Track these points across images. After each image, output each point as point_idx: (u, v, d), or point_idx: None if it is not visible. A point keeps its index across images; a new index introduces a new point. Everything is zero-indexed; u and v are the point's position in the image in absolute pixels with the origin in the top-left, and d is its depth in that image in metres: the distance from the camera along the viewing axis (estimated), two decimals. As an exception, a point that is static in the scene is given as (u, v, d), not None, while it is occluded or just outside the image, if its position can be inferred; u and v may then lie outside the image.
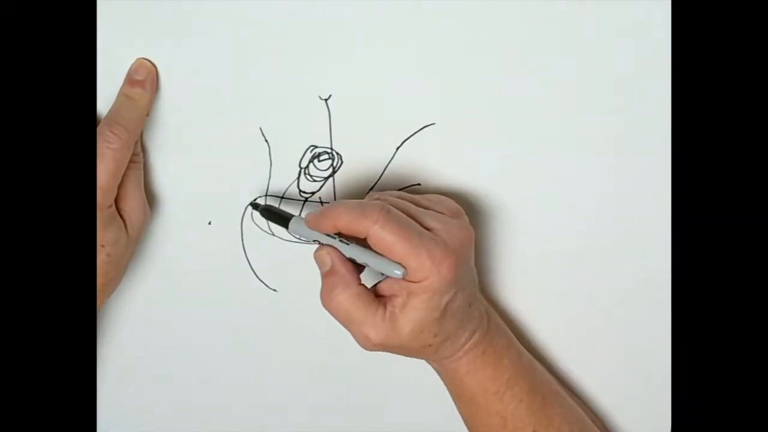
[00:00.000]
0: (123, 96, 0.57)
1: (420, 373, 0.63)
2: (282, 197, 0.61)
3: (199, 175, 0.60)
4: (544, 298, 0.63)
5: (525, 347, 0.62)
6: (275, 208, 0.59)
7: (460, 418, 0.63)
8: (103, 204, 0.56)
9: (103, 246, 0.57)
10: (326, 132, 0.60)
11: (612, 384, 0.65)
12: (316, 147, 0.60)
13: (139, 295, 0.64)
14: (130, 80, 0.58)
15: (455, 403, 0.60)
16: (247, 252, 0.63)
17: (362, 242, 0.54)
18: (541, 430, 0.58)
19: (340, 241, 0.55)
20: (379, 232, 0.52)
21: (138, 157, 0.59)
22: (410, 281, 0.53)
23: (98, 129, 0.56)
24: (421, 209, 0.55)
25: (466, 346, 0.57)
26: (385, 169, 0.60)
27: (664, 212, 0.58)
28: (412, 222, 0.53)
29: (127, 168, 0.57)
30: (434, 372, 0.61)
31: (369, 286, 0.56)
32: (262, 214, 0.59)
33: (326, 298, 0.55)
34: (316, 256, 0.56)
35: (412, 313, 0.54)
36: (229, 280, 0.63)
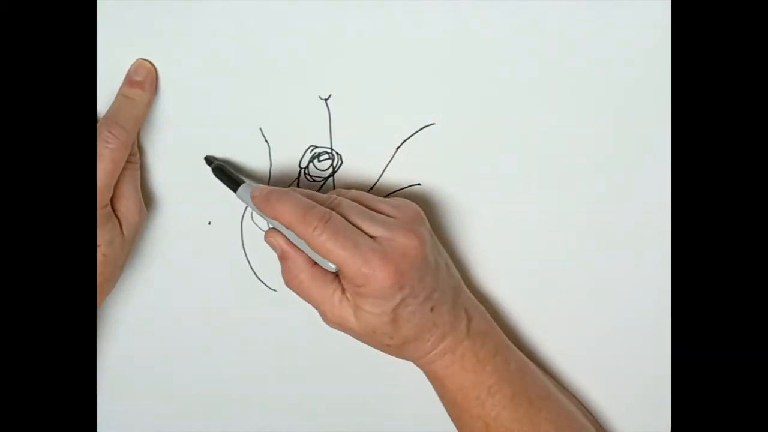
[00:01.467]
0: (122, 96, 0.57)
1: (420, 372, 0.63)
2: (282, 197, 0.61)
3: (199, 175, 0.60)
4: (543, 298, 0.63)
5: (522, 348, 0.62)
6: (228, 168, 0.59)
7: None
8: (99, 204, 0.56)
9: (98, 246, 0.57)
10: (326, 132, 0.60)
11: (612, 384, 0.65)
12: (316, 147, 0.60)
13: (139, 295, 0.64)
14: (130, 81, 0.58)
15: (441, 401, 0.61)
16: (247, 252, 0.62)
17: None
18: None
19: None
20: (317, 239, 0.53)
21: (135, 158, 0.59)
22: (356, 284, 0.54)
23: (96, 129, 0.56)
24: (371, 214, 0.55)
25: (437, 350, 0.57)
26: (385, 169, 0.60)
27: (665, 212, 0.58)
28: (351, 229, 0.54)
29: (124, 168, 0.57)
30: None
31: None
32: (214, 173, 0.59)
33: (287, 279, 0.57)
34: (266, 240, 0.57)
35: (359, 314, 0.55)
36: (229, 280, 0.63)
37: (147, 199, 0.61)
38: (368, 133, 0.59)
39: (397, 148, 0.60)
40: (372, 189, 0.61)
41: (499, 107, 0.58)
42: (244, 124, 0.59)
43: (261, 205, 0.55)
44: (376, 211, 0.56)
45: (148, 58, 0.58)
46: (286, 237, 0.56)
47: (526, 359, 0.61)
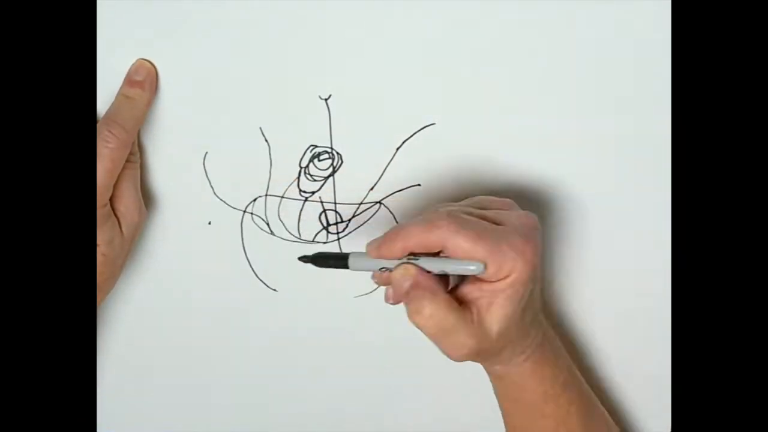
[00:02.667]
0: (122, 96, 0.57)
1: (420, 373, 0.63)
2: (282, 197, 0.61)
3: (199, 175, 0.60)
4: (544, 297, 0.63)
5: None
6: (327, 252, 0.56)
7: (457, 418, 0.63)
8: (99, 203, 0.56)
9: (98, 245, 0.57)
10: (326, 132, 0.60)
11: (612, 384, 0.65)
12: (316, 147, 0.60)
13: (139, 295, 0.64)
14: (130, 80, 0.58)
15: (508, 413, 0.59)
16: (247, 252, 0.62)
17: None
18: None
19: (408, 260, 0.52)
20: (455, 239, 0.51)
21: (135, 157, 0.59)
22: (494, 281, 0.52)
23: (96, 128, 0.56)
24: (480, 211, 0.54)
25: (537, 341, 0.56)
26: (385, 169, 0.60)
27: (665, 212, 0.58)
28: (481, 221, 0.52)
29: (124, 167, 0.57)
30: (434, 373, 0.62)
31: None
32: (316, 263, 0.56)
33: (414, 313, 0.52)
34: (394, 279, 0.52)
35: (499, 312, 0.52)
36: (229, 280, 0.63)
37: (147, 199, 0.61)
38: (368, 133, 0.59)
39: (398, 148, 0.60)
40: (372, 189, 0.61)
41: (499, 107, 0.58)
42: (244, 124, 0.59)
43: (385, 248, 0.52)
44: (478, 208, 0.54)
45: (148, 58, 0.58)
46: (417, 266, 0.52)
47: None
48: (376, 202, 0.61)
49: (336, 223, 0.62)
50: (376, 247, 0.53)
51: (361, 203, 0.61)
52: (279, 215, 0.62)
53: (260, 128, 0.60)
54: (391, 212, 0.61)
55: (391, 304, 0.53)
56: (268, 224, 0.62)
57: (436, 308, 0.51)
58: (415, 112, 0.59)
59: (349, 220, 0.62)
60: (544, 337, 0.57)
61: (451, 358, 0.53)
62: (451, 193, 0.60)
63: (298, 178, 0.61)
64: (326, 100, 0.59)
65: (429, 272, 0.52)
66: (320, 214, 0.62)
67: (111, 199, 0.58)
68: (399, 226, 0.53)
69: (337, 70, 0.58)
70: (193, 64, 0.58)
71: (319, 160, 0.60)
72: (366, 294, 0.63)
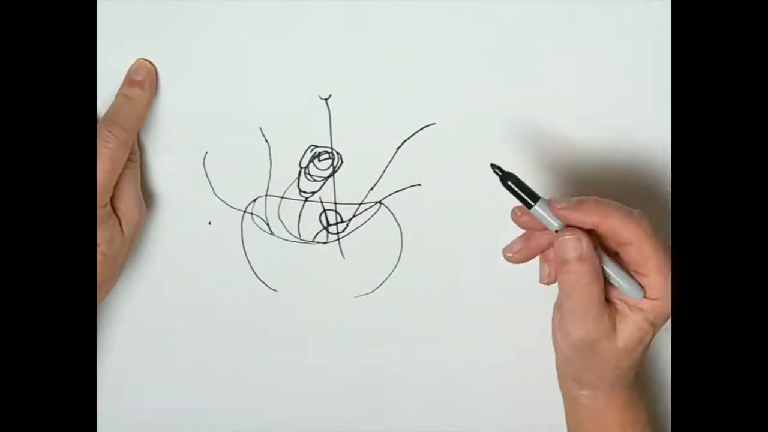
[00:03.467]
0: (122, 96, 0.57)
1: (420, 373, 0.63)
2: (282, 197, 0.61)
3: (199, 175, 0.60)
4: (542, 297, 0.63)
5: (524, 347, 0.62)
6: (522, 182, 0.53)
7: (457, 418, 0.63)
8: (99, 203, 0.56)
9: (98, 245, 0.57)
10: (326, 132, 0.60)
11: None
12: (316, 147, 0.60)
13: (139, 295, 0.64)
14: (130, 80, 0.58)
15: None
16: (247, 252, 0.62)
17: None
18: None
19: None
20: (645, 240, 0.51)
21: (135, 156, 0.59)
22: (646, 298, 0.52)
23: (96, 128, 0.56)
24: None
25: (630, 379, 0.56)
26: (385, 169, 0.60)
27: (665, 212, 0.58)
28: (666, 244, 0.52)
29: (124, 167, 0.57)
30: (433, 373, 0.62)
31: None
32: (506, 180, 0.53)
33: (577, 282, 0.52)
34: (564, 240, 0.52)
35: (631, 327, 0.53)
36: (229, 280, 0.63)
37: (147, 199, 0.61)
38: (368, 133, 0.59)
39: (398, 148, 0.60)
40: (372, 189, 0.61)
41: (499, 107, 0.58)
42: (244, 124, 0.59)
43: (577, 211, 0.51)
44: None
45: (148, 58, 0.58)
46: (590, 241, 0.52)
47: None
48: (376, 202, 0.61)
49: (336, 223, 0.62)
50: (570, 208, 0.52)
51: (361, 203, 0.61)
52: (279, 215, 0.62)
53: (260, 128, 0.60)
54: (391, 212, 0.61)
55: (545, 283, 0.55)
56: (268, 224, 0.62)
57: (597, 290, 0.52)
58: (415, 112, 0.59)
59: (349, 220, 0.62)
60: (636, 379, 0.57)
61: (568, 332, 0.53)
62: (451, 193, 0.60)
63: (298, 178, 0.61)
64: (326, 100, 0.59)
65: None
66: (320, 214, 0.62)
67: (111, 199, 0.58)
68: (598, 200, 0.52)
69: (337, 70, 0.58)
70: (193, 64, 0.58)
71: (319, 160, 0.60)
72: (366, 294, 0.63)
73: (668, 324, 0.54)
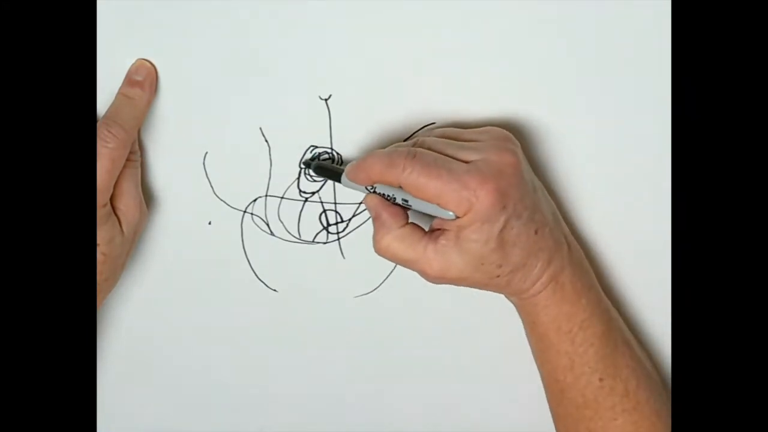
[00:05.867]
0: (122, 96, 0.57)
1: (420, 373, 0.63)
2: (282, 197, 0.61)
3: (199, 175, 0.60)
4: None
5: (524, 346, 0.62)
6: (326, 163, 0.59)
7: (458, 418, 0.63)
8: (99, 203, 0.56)
9: (98, 245, 0.57)
10: (326, 132, 0.60)
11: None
12: (316, 147, 0.60)
13: (139, 295, 0.64)
14: (130, 80, 0.58)
15: (527, 336, 0.60)
16: (247, 252, 0.62)
17: None
18: (607, 378, 0.57)
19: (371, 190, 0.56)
20: (409, 178, 0.53)
21: (135, 156, 0.59)
22: (457, 215, 0.53)
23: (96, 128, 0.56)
24: (459, 143, 0.55)
25: (544, 278, 0.56)
26: (385, 169, 0.60)
27: (665, 212, 0.58)
28: (441, 158, 0.53)
29: (124, 167, 0.57)
30: (433, 373, 0.62)
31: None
32: (315, 171, 0.59)
33: (376, 247, 0.56)
34: (365, 203, 0.56)
35: (465, 246, 0.54)
36: (229, 280, 0.63)
37: (147, 199, 0.61)
38: (368, 133, 0.59)
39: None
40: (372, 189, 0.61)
41: (499, 107, 0.58)
42: (244, 124, 0.59)
43: (354, 174, 0.55)
44: (464, 140, 0.55)
45: (148, 58, 0.58)
46: (383, 197, 0.55)
47: (610, 303, 0.60)
48: (376, 202, 0.61)
49: (336, 223, 0.62)
50: (350, 172, 0.56)
51: (361, 203, 0.61)
52: (279, 215, 0.62)
53: (260, 128, 0.60)
54: (391, 212, 0.61)
55: None
56: (268, 224, 0.62)
57: (389, 241, 0.55)
58: (415, 112, 0.59)
59: (349, 220, 0.62)
60: (562, 273, 0.56)
61: (426, 276, 0.56)
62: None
63: (298, 178, 0.61)
64: (326, 100, 0.59)
65: (392, 202, 0.55)
66: (320, 215, 0.62)
67: (111, 199, 0.57)
68: (368, 154, 0.55)
69: (337, 70, 0.58)
70: (193, 64, 0.58)
71: (320, 161, 0.60)
72: (366, 294, 0.63)
73: (668, 324, 0.54)
